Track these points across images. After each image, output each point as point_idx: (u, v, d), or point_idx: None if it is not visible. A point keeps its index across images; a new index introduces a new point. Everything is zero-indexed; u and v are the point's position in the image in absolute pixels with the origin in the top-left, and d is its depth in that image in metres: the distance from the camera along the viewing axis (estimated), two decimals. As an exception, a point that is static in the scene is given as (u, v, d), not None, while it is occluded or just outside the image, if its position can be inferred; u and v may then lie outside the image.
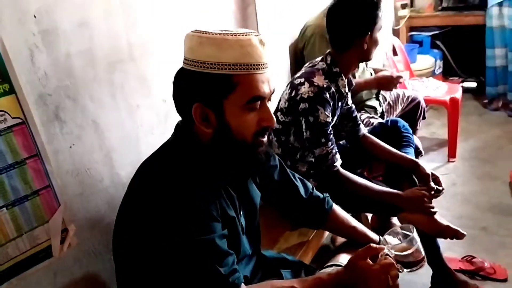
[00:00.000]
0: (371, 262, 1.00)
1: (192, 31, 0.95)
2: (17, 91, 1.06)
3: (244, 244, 1.11)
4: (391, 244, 1.12)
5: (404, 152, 1.84)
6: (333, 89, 1.63)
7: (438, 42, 4.23)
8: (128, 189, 1.03)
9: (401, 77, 2.22)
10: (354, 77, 2.29)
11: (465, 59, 4.28)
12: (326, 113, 1.58)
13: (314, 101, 1.58)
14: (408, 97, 2.53)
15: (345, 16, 1.62)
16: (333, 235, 1.44)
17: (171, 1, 1.54)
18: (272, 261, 1.27)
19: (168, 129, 1.52)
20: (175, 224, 0.89)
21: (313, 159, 1.65)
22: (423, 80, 3.23)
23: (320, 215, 1.32)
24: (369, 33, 1.62)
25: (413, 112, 2.50)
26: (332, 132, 1.63)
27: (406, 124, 2.00)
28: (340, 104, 1.72)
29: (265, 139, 1.01)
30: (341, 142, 1.95)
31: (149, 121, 1.50)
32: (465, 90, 3.72)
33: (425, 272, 1.80)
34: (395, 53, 3.51)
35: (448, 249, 1.99)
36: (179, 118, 1.04)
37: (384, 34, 2.56)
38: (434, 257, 1.76)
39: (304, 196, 1.31)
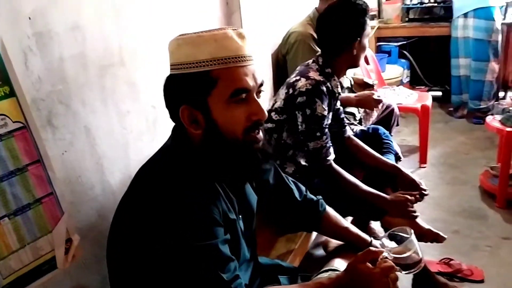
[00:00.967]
0: (371, 266, 1.02)
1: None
2: (18, 94, 1.01)
3: (244, 249, 1.09)
4: (388, 247, 1.14)
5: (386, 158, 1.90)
6: (328, 84, 1.67)
7: (405, 52, 4.38)
8: (125, 194, 1.01)
9: (381, 101, 2.25)
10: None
11: (431, 69, 4.44)
12: (323, 106, 1.61)
13: (312, 93, 1.61)
14: (383, 104, 2.60)
15: (336, 23, 1.67)
16: (325, 240, 1.46)
17: (157, 6, 1.52)
18: (268, 268, 1.27)
19: (157, 136, 1.52)
20: (177, 229, 0.87)
21: (302, 160, 1.67)
22: (394, 89, 3.34)
23: (315, 217, 1.33)
24: (359, 38, 1.68)
25: (387, 119, 2.57)
26: (327, 126, 1.66)
27: (387, 132, 2.06)
28: (333, 102, 1.76)
29: (260, 135, 0.98)
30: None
31: (139, 127, 1.46)
32: (431, 99, 3.87)
33: (406, 275, 1.84)
34: (367, 62, 3.60)
35: (423, 252, 2.04)
36: (168, 124, 1.02)
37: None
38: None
39: (298, 199, 1.31)
